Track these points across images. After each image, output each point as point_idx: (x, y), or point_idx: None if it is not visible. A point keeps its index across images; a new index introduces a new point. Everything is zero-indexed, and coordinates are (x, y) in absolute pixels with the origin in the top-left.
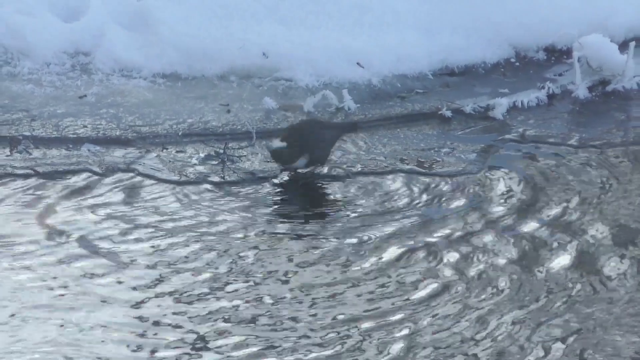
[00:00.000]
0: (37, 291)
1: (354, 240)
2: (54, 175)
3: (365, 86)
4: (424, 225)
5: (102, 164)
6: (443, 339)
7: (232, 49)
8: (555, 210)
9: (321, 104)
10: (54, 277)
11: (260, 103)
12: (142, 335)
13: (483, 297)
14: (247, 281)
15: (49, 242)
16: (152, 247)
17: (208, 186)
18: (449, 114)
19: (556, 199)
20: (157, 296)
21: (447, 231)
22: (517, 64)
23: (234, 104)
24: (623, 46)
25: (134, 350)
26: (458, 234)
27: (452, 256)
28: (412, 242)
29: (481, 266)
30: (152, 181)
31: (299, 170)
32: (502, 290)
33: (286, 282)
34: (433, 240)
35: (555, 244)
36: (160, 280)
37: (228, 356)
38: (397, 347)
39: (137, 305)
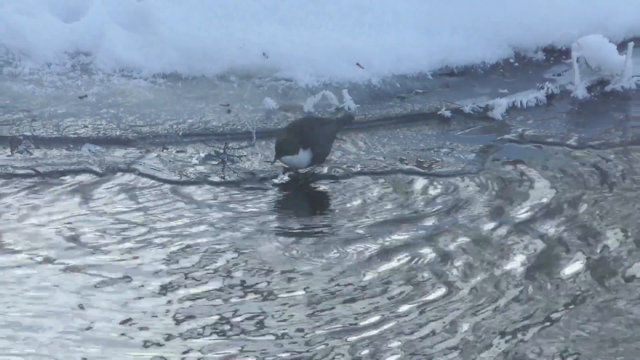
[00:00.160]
0: (37, 291)
1: (354, 241)
2: (55, 175)
3: (365, 86)
4: (423, 225)
5: (102, 164)
6: (442, 342)
7: (232, 49)
8: (554, 211)
9: (321, 104)
10: (54, 277)
11: (261, 103)
12: (141, 335)
13: (481, 300)
14: (246, 281)
15: (49, 242)
16: (152, 247)
17: (208, 186)
18: (448, 114)
19: (555, 199)
20: (157, 296)
21: (447, 231)
22: (516, 64)
23: (235, 104)
24: (622, 46)
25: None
26: (457, 234)
27: (453, 257)
28: (412, 243)
29: (480, 267)
30: (153, 181)
31: (300, 170)
32: (501, 291)
33: (286, 282)
34: (433, 240)
35: (555, 244)
36: (160, 280)
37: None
38: (395, 351)
39: (137, 305)
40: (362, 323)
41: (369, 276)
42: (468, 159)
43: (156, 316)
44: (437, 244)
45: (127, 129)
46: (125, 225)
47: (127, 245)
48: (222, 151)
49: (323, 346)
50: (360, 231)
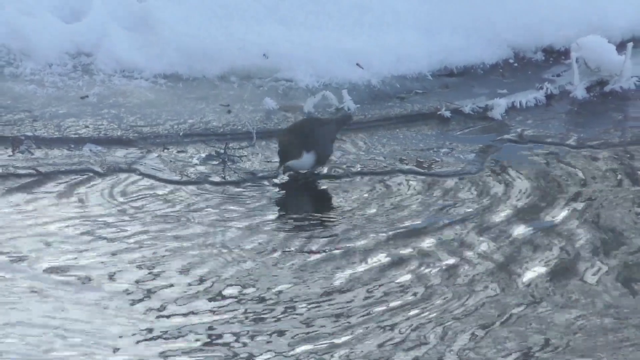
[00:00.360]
0: (37, 291)
1: (354, 241)
2: (56, 175)
3: (365, 87)
4: (423, 225)
5: (103, 164)
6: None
7: (233, 49)
8: (553, 211)
9: (321, 105)
10: (54, 277)
11: (261, 103)
12: (140, 333)
13: (479, 302)
14: (246, 281)
15: (49, 242)
16: (152, 246)
17: (209, 186)
18: (448, 114)
19: (555, 199)
20: (156, 295)
21: (446, 232)
22: (516, 64)
23: (235, 104)
24: (621, 47)
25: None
26: (457, 234)
27: (451, 257)
28: (411, 243)
29: (478, 268)
30: (153, 181)
31: (301, 171)
32: (499, 293)
33: (286, 282)
34: (432, 241)
35: (554, 245)
36: (159, 280)
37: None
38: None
39: (136, 305)
40: (363, 323)
41: (368, 276)
42: (468, 159)
43: (156, 314)
44: (437, 243)
45: (128, 129)
46: (126, 225)
47: (128, 245)
48: (222, 151)
49: (323, 346)
50: (360, 231)
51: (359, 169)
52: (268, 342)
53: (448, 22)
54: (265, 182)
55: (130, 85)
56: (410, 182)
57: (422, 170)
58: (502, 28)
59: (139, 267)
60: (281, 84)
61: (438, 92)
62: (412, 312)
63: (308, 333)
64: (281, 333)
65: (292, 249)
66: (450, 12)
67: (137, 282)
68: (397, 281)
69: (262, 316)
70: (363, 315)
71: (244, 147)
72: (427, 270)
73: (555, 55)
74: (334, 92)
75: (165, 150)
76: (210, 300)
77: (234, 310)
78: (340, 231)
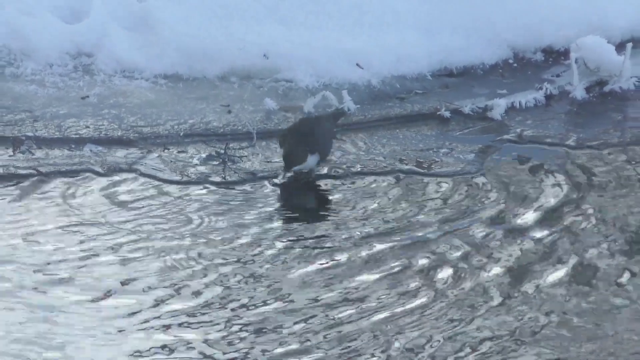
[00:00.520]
0: (37, 291)
1: (354, 241)
2: (57, 175)
3: (365, 87)
4: (423, 225)
5: (104, 164)
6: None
7: (233, 49)
8: (553, 211)
9: (321, 105)
10: (54, 277)
11: (261, 104)
12: (139, 333)
13: (477, 303)
14: (246, 281)
15: (50, 242)
16: (153, 246)
17: (209, 186)
18: (447, 114)
19: (554, 199)
20: (157, 295)
21: (446, 232)
22: (515, 65)
23: (235, 104)
24: (620, 47)
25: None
26: (456, 234)
27: (450, 257)
28: (411, 243)
29: (478, 270)
30: (154, 181)
31: (304, 170)
32: (499, 293)
33: (284, 284)
34: (432, 241)
35: (554, 246)
36: (160, 280)
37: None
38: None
39: (136, 304)
40: (363, 323)
41: (368, 277)
42: (467, 159)
43: (155, 314)
44: (437, 244)
45: (128, 129)
46: (126, 225)
47: (128, 244)
48: (222, 151)
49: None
50: (360, 231)
51: (359, 169)
52: (266, 342)
53: (448, 22)
54: (266, 182)
55: (130, 86)
56: (410, 182)
57: (422, 171)
58: (502, 28)
59: (139, 267)
60: (281, 84)
61: (438, 92)
62: (414, 313)
63: (308, 332)
64: (281, 333)
65: (292, 249)
66: (450, 12)
67: (136, 282)
68: (397, 282)
69: (262, 316)
70: (363, 315)
71: (244, 147)
72: (428, 271)
73: (555, 56)
74: (334, 92)
75: (166, 151)
76: (210, 300)
77: (234, 310)
78: (340, 232)
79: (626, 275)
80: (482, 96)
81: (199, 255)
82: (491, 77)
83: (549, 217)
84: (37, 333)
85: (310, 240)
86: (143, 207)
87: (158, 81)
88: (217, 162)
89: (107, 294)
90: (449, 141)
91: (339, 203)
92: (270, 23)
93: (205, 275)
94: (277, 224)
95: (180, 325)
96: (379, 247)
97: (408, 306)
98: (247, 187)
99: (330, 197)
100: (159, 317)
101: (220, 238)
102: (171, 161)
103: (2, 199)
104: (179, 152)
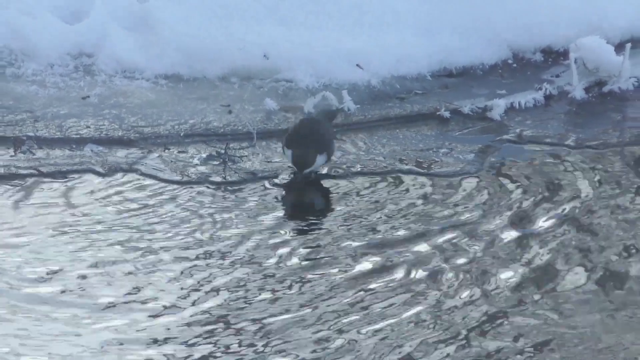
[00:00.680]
0: (37, 291)
1: (354, 241)
2: (57, 175)
3: (365, 87)
4: (424, 225)
5: (104, 164)
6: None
7: (233, 49)
8: (553, 211)
9: (321, 105)
10: (54, 276)
11: (261, 104)
12: (139, 333)
13: (477, 304)
14: (246, 281)
15: (50, 242)
16: (153, 246)
17: (209, 186)
18: (447, 114)
19: (554, 199)
20: (157, 295)
21: (445, 232)
22: (515, 65)
23: (235, 104)
24: (620, 47)
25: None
26: (456, 234)
27: (453, 258)
28: (411, 242)
29: (481, 271)
30: (154, 181)
31: (312, 173)
32: (499, 294)
33: (284, 284)
34: (433, 241)
35: (555, 246)
36: (160, 280)
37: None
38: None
39: (135, 304)
40: (364, 324)
41: (368, 278)
42: (467, 159)
43: (155, 314)
44: (437, 244)
45: (129, 129)
46: (126, 225)
47: (129, 244)
48: (223, 151)
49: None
50: (360, 231)
51: (359, 169)
52: (264, 343)
53: (448, 22)
54: (266, 182)
55: (131, 86)
56: (410, 182)
57: (422, 171)
58: (501, 28)
59: (139, 267)
60: (281, 84)
61: (437, 92)
62: (417, 316)
63: (308, 332)
64: (281, 334)
65: (293, 250)
66: (450, 12)
67: (136, 282)
68: (398, 282)
69: (262, 316)
70: (362, 316)
71: (245, 147)
72: (428, 271)
73: (554, 56)
74: (334, 92)
75: (166, 151)
76: (209, 300)
77: (233, 310)
78: (340, 232)
79: (631, 276)
80: (481, 96)
81: (199, 255)
82: (491, 78)
83: (549, 217)
84: (37, 333)
85: (311, 240)
86: (143, 207)
87: (158, 81)
88: (218, 162)
89: (107, 294)
90: (449, 141)
91: (339, 203)
92: (270, 23)
93: (205, 275)
94: (277, 224)
95: (180, 325)
96: (379, 247)
97: (411, 310)
98: (247, 187)
99: (330, 198)
100: (159, 317)
101: (220, 238)
102: (172, 161)
103: (3, 199)
104: (179, 152)
